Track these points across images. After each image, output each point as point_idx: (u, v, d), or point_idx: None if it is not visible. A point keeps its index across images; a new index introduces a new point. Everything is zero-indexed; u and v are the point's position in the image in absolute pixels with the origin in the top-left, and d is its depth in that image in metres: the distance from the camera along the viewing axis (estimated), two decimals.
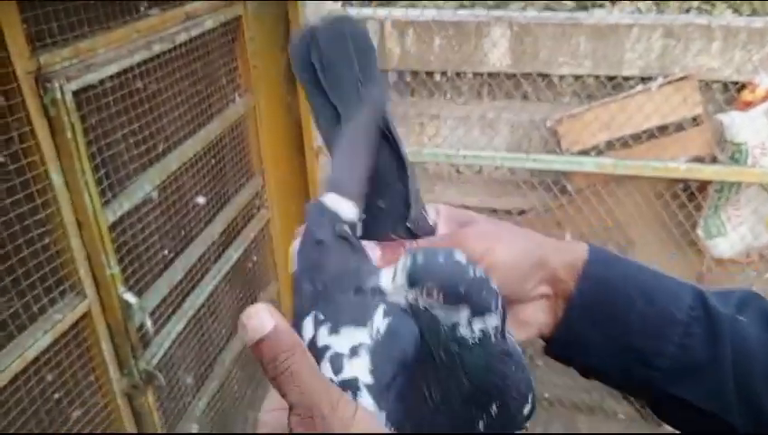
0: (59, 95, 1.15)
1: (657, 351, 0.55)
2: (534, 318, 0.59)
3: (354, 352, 0.45)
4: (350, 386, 0.44)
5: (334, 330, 0.46)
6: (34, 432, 1.27)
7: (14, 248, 1.15)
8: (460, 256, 0.41)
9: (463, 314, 0.40)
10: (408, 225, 0.57)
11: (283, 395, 0.44)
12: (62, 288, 1.30)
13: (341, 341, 0.45)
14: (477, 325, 0.41)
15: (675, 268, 2.44)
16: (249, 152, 2.09)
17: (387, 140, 0.58)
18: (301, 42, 0.58)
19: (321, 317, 0.47)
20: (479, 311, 0.40)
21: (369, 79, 0.57)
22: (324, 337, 0.46)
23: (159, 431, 1.62)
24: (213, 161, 1.85)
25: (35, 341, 1.21)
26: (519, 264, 0.56)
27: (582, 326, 0.57)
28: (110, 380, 1.45)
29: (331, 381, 0.44)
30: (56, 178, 1.21)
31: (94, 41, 1.28)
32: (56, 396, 1.34)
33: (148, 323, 1.49)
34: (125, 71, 1.35)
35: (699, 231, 2.35)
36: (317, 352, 0.45)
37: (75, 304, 1.31)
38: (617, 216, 2.39)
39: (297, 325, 0.48)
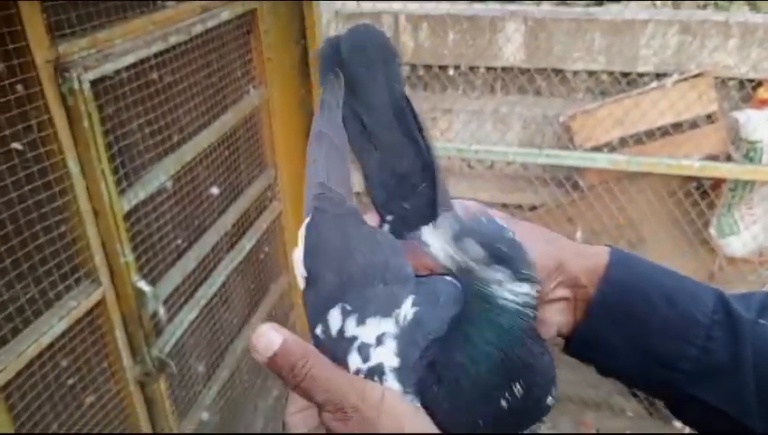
0: (77, 85, 1.17)
1: (678, 353, 0.55)
2: (553, 318, 0.59)
3: (380, 341, 0.47)
4: (377, 372, 0.46)
5: (361, 321, 0.47)
6: (49, 417, 1.29)
7: (31, 235, 1.17)
8: (501, 221, 0.43)
9: (504, 275, 0.41)
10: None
11: (310, 399, 0.47)
12: (77, 275, 1.32)
13: (368, 331, 0.47)
14: (517, 289, 0.41)
15: (687, 266, 2.43)
16: (262, 144, 2.10)
17: (413, 141, 0.58)
18: (325, 52, 0.59)
19: (349, 308, 0.48)
20: (519, 275, 0.41)
21: (395, 82, 0.58)
22: (352, 328, 0.48)
23: (170, 418, 1.64)
24: (226, 153, 1.86)
25: (51, 327, 1.23)
26: (539, 268, 0.57)
27: (603, 328, 0.57)
28: (123, 367, 1.47)
29: (359, 370, 0.47)
30: (73, 167, 1.23)
31: (112, 31, 1.29)
32: (70, 382, 1.36)
33: (161, 311, 1.51)
34: (141, 61, 1.36)
35: (712, 229, 2.34)
36: (345, 342, 0.48)
37: (90, 292, 1.33)
38: (629, 213, 2.38)
39: (319, 316, 0.50)
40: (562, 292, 0.58)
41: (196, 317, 1.73)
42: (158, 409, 1.60)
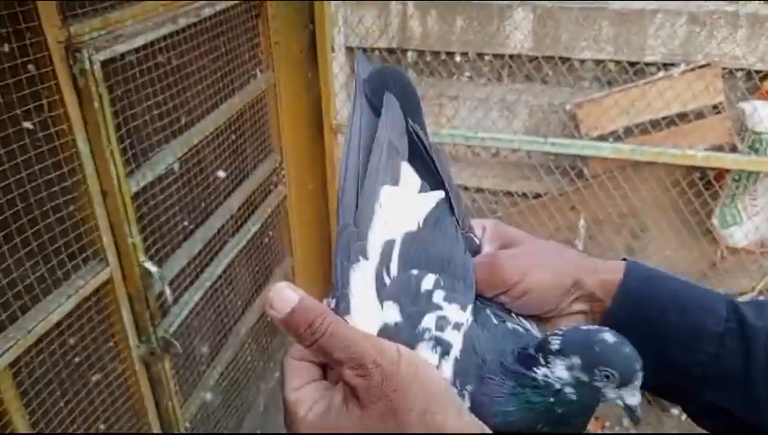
0: (88, 65, 1.17)
1: (691, 361, 0.57)
2: None
3: (457, 326, 0.52)
4: (443, 345, 0.51)
5: (448, 299, 0.53)
6: (56, 394, 1.31)
7: (40, 214, 1.18)
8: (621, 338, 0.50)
9: (626, 393, 0.49)
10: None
11: (328, 356, 0.48)
12: (85, 255, 1.33)
13: (451, 311, 0.52)
14: (631, 400, 0.50)
15: (689, 256, 2.44)
16: (268, 128, 2.10)
17: (427, 164, 0.62)
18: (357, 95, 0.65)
19: (442, 283, 0.53)
20: (633, 388, 0.49)
21: (414, 119, 0.64)
22: (440, 298, 0.53)
23: (174, 398, 1.66)
24: (233, 136, 1.87)
25: (59, 305, 1.24)
26: (554, 287, 0.59)
27: None
28: (129, 346, 1.49)
29: (429, 331, 0.51)
30: (83, 147, 1.24)
31: (123, 12, 1.30)
32: (77, 360, 1.38)
33: (168, 292, 1.52)
34: (151, 43, 1.37)
35: (714, 219, 2.34)
36: (428, 304, 0.52)
37: (98, 271, 1.34)
38: (632, 202, 2.39)
39: (408, 277, 0.54)
40: (580, 306, 0.61)
41: (201, 298, 1.74)
42: (163, 388, 1.62)
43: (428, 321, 0.51)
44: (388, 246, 0.55)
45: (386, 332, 0.51)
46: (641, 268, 0.61)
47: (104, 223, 1.34)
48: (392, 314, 0.52)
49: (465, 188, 2.63)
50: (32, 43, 1.10)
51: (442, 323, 0.51)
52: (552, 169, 2.44)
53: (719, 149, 2.20)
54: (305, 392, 0.50)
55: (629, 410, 0.48)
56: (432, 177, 0.62)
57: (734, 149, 2.20)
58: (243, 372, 2.13)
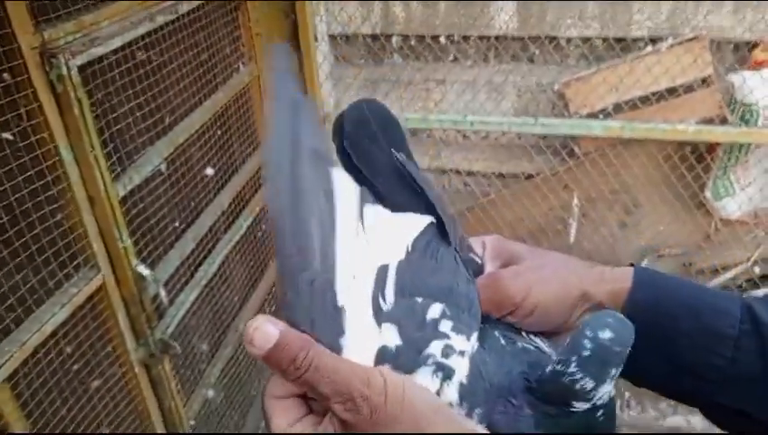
0: (65, 71, 1.15)
1: (706, 366, 0.56)
2: None
3: (461, 354, 0.51)
4: (447, 372, 0.50)
5: (455, 329, 0.52)
6: (57, 403, 1.31)
7: (27, 225, 1.16)
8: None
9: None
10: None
11: (314, 390, 0.46)
12: (76, 263, 1.32)
13: (458, 340, 0.52)
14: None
15: (683, 230, 2.44)
16: (255, 121, 2.08)
17: (420, 199, 0.61)
18: (333, 133, 0.63)
19: (448, 313, 0.53)
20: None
21: (398, 148, 0.63)
22: (447, 328, 0.52)
23: (176, 398, 1.67)
24: (219, 132, 1.85)
25: (53, 315, 1.23)
26: (561, 301, 0.58)
27: (631, 348, 0.58)
28: (127, 350, 1.48)
29: (433, 358, 0.50)
30: (66, 155, 1.22)
31: (97, 14, 1.27)
32: (75, 367, 1.37)
33: (162, 293, 1.52)
34: (129, 44, 1.34)
35: (707, 192, 2.34)
36: (434, 333, 0.52)
37: (90, 278, 1.33)
38: (624, 178, 2.38)
39: (415, 291, 0.53)
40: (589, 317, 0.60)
41: (197, 298, 1.74)
42: (164, 389, 1.62)
43: (434, 347, 0.51)
44: (383, 271, 0.54)
45: (384, 354, 0.50)
46: (649, 275, 0.60)
47: (93, 229, 1.33)
48: (391, 337, 0.51)
49: (457, 172, 2.62)
50: (5, 52, 1.08)
51: (448, 350, 0.51)
52: (542, 149, 2.43)
53: (710, 122, 2.19)
54: (281, 407, 0.49)
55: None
56: (421, 205, 0.61)
57: (724, 122, 2.19)
58: (243, 368, 2.13)
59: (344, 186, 0.58)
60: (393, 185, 0.62)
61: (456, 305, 0.54)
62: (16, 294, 1.15)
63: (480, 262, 0.62)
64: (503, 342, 0.55)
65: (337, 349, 0.49)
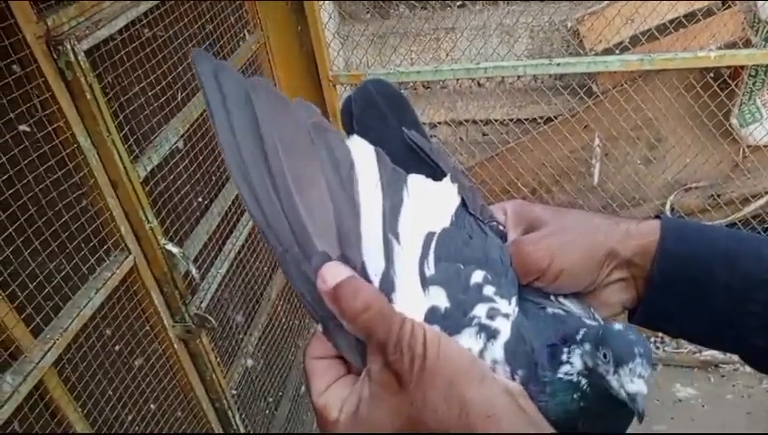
0: (72, 57, 1.14)
1: (743, 312, 0.55)
2: (614, 298, 0.60)
3: (506, 316, 0.53)
4: (489, 332, 0.51)
5: (498, 293, 0.54)
6: (103, 384, 1.35)
7: (54, 214, 1.18)
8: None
9: (626, 376, 0.47)
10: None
11: (370, 334, 0.46)
12: (106, 247, 1.34)
13: (502, 304, 0.53)
14: (634, 387, 0.47)
15: (710, 161, 2.39)
16: None
17: (430, 168, 0.62)
18: (342, 117, 0.63)
19: (490, 278, 0.54)
20: (637, 375, 0.47)
21: (408, 125, 0.63)
22: (490, 292, 0.53)
23: (216, 370, 1.70)
24: None
25: (89, 300, 1.26)
26: (587, 262, 0.58)
27: (666, 301, 0.58)
28: (165, 327, 1.51)
29: (479, 319, 0.51)
30: (83, 141, 1.22)
31: None
32: (117, 348, 1.41)
33: (193, 269, 1.53)
34: (133, 22, 1.32)
35: (733, 119, 2.28)
36: (479, 296, 0.53)
37: (121, 261, 1.35)
38: (646, 113, 2.32)
39: (456, 269, 0.54)
40: (619, 274, 0.59)
41: (228, 270, 1.76)
42: (204, 362, 1.66)
43: (480, 310, 0.52)
44: (429, 238, 0.55)
45: (434, 313, 0.51)
46: (676, 226, 0.58)
47: (119, 212, 1.34)
48: (440, 298, 0.52)
49: (474, 122, 2.57)
50: (11, 43, 1.07)
51: (492, 313, 0.52)
52: (560, 90, 2.37)
53: (732, 45, 2.11)
54: (332, 395, 0.49)
55: (630, 398, 0.47)
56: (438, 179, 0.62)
57: (747, 44, 2.11)
58: (280, 334, 2.17)
59: (358, 149, 0.56)
60: (408, 163, 0.61)
61: (494, 272, 0.55)
62: (52, 282, 1.17)
63: (503, 229, 0.62)
64: (535, 309, 0.56)
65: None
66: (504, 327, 0.52)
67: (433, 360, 0.46)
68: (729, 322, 0.56)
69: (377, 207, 0.54)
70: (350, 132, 0.62)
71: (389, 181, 0.56)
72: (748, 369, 2.41)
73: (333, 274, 0.47)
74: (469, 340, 0.51)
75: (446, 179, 0.61)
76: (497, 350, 0.51)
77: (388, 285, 0.51)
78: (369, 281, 0.50)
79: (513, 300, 0.54)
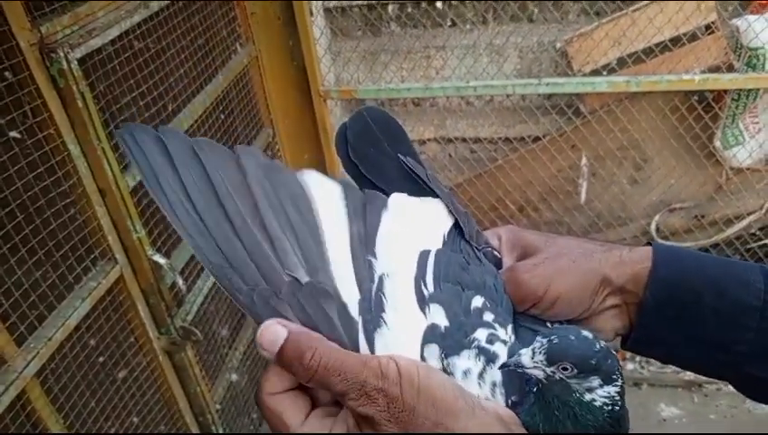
0: (65, 65, 1.14)
1: (734, 338, 0.56)
2: (608, 325, 0.61)
3: (504, 343, 0.53)
4: (490, 356, 0.52)
5: (496, 320, 0.54)
6: (86, 396, 1.33)
7: (42, 222, 1.17)
8: (587, 333, 0.49)
9: (595, 382, 0.48)
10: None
11: (329, 389, 0.46)
12: (93, 256, 1.33)
13: (499, 330, 0.54)
14: (607, 391, 0.49)
15: (694, 182, 2.42)
16: (257, 103, 2.07)
17: (427, 194, 0.62)
18: (337, 145, 0.65)
19: (488, 305, 0.55)
20: (607, 378, 0.49)
21: (403, 152, 0.64)
22: (490, 318, 0.54)
23: (201, 383, 1.69)
24: (222, 116, 1.83)
25: (75, 309, 1.24)
26: (582, 289, 0.58)
27: (658, 327, 0.58)
28: (150, 339, 1.50)
29: (478, 342, 0.52)
30: (73, 149, 1.22)
31: (92, 5, 1.25)
32: (101, 359, 1.39)
33: (180, 281, 1.52)
34: (126, 33, 1.33)
35: (717, 142, 2.32)
36: (480, 320, 0.54)
37: (108, 270, 1.34)
38: (632, 134, 2.36)
39: (457, 291, 0.55)
40: (612, 300, 0.60)
41: (214, 283, 1.75)
42: (189, 375, 1.64)
43: (480, 334, 0.53)
44: (424, 256, 0.56)
45: (433, 332, 0.51)
46: (669, 253, 0.59)
47: (107, 222, 1.33)
48: (440, 317, 0.52)
49: (463, 140, 2.60)
50: (4, 50, 1.07)
51: (492, 337, 0.53)
52: (548, 110, 2.40)
53: (716, 69, 2.16)
54: (315, 425, 0.48)
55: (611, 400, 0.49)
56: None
57: (730, 69, 2.15)
58: None
59: (316, 184, 0.57)
60: (404, 188, 0.63)
61: (491, 299, 0.56)
62: (37, 290, 1.16)
63: (498, 255, 0.63)
64: (530, 335, 0.56)
65: (352, 344, 0.50)
66: (503, 353, 0.52)
67: (412, 398, 0.45)
68: (719, 348, 0.57)
69: (343, 232, 0.55)
70: (345, 159, 0.64)
71: (358, 207, 0.57)
72: (731, 389, 2.42)
73: (270, 340, 0.47)
74: (468, 361, 0.51)
75: (436, 199, 0.62)
76: (497, 373, 0.51)
77: (372, 305, 0.51)
78: (344, 304, 0.51)
79: (509, 328, 0.55)
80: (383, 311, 0.51)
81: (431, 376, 0.47)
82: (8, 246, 1.08)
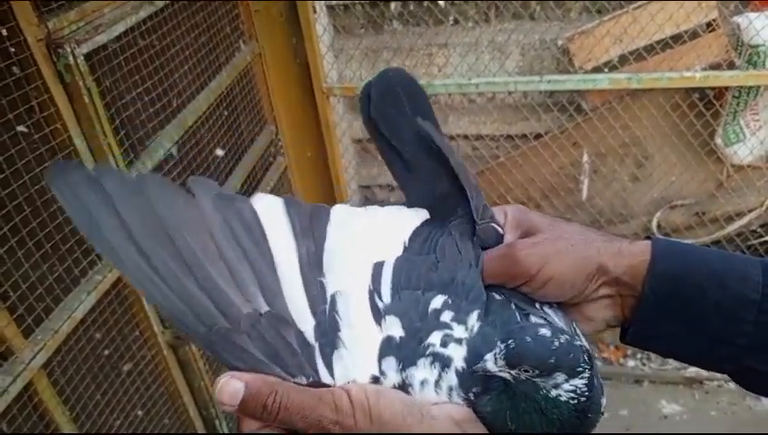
0: (71, 60, 1.15)
1: (734, 331, 0.56)
2: (599, 314, 0.61)
3: (459, 342, 0.53)
4: (444, 361, 0.52)
5: (455, 320, 0.54)
6: (91, 388, 1.34)
7: (49, 215, 1.18)
8: (545, 331, 0.49)
9: (560, 378, 0.49)
10: (474, 238, 0.61)
11: (292, 427, 0.49)
12: None
13: (457, 329, 0.53)
14: (573, 383, 0.49)
15: (695, 179, 2.43)
16: (260, 100, 2.08)
17: (446, 164, 0.63)
18: (361, 102, 0.65)
19: (450, 303, 0.54)
20: (572, 372, 0.49)
21: (424, 116, 0.64)
22: (447, 318, 0.54)
23: (205, 377, 1.70)
24: (226, 113, 1.85)
25: (81, 302, 1.26)
26: (577, 273, 0.58)
27: (657, 321, 0.58)
28: (155, 333, 1.51)
29: (432, 347, 0.52)
30: (79, 144, 1.23)
31: (98, 1, 1.27)
32: (106, 352, 1.41)
33: None
34: (131, 29, 1.34)
35: (718, 139, 2.33)
36: (436, 323, 0.53)
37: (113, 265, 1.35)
38: (633, 131, 2.36)
39: (419, 282, 0.55)
40: (606, 290, 0.60)
41: None
42: (192, 369, 1.65)
43: (434, 337, 0.52)
44: (378, 268, 0.55)
45: (389, 344, 0.52)
46: (668, 247, 0.59)
47: None
48: (395, 328, 0.52)
49: (465, 137, 2.61)
50: (12, 45, 1.08)
51: (446, 339, 0.52)
52: (550, 107, 2.41)
53: (717, 67, 2.17)
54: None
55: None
56: (445, 172, 0.63)
57: (731, 66, 2.16)
58: None
59: (265, 208, 0.57)
60: (418, 152, 0.63)
61: (455, 295, 0.55)
62: (44, 283, 1.17)
63: (501, 231, 0.63)
64: (518, 316, 0.56)
65: (312, 369, 0.50)
66: (457, 353, 0.52)
67: (366, 426, 0.48)
68: (719, 341, 0.57)
69: (292, 256, 0.54)
70: (366, 116, 0.65)
71: (305, 227, 0.56)
72: (732, 385, 2.43)
73: (230, 395, 0.48)
74: (424, 371, 0.51)
75: (392, 206, 0.62)
76: (452, 377, 0.51)
77: (328, 327, 0.52)
78: (301, 331, 0.51)
79: (473, 317, 0.54)
80: (339, 330, 0.51)
81: (380, 400, 0.49)
82: (16, 239, 1.10)
